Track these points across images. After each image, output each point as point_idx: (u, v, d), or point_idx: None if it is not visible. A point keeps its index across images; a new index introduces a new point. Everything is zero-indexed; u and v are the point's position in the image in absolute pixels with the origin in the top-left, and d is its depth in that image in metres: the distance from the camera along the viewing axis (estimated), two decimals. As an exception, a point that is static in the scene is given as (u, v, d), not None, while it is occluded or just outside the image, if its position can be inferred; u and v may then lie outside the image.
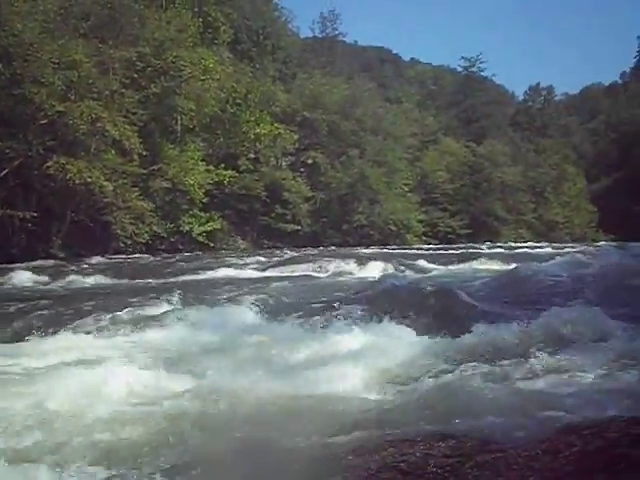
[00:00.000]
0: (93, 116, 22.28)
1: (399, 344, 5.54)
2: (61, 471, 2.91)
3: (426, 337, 5.81)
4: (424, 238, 50.36)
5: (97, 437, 3.39)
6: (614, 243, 42.29)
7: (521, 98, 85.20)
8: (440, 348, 5.37)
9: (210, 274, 15.97)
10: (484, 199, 59.05)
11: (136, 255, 24.64)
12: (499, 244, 42.72)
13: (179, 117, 30.00)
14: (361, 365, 4.78)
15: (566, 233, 63.43)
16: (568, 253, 20.26)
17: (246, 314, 7.98)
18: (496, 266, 16.94)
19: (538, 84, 79.69)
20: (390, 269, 15.87)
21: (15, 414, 3.82)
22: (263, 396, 4.09)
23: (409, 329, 6.08)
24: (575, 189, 69.50)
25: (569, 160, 72.70)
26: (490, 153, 60.99)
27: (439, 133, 64.73)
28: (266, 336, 6.41)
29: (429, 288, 8.31)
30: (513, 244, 39.75)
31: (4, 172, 21.62)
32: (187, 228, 30.35)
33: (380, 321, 6.45)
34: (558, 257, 16.41)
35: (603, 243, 46.80)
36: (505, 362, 4.78)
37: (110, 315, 7.82)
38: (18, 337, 7.00)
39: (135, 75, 26.69)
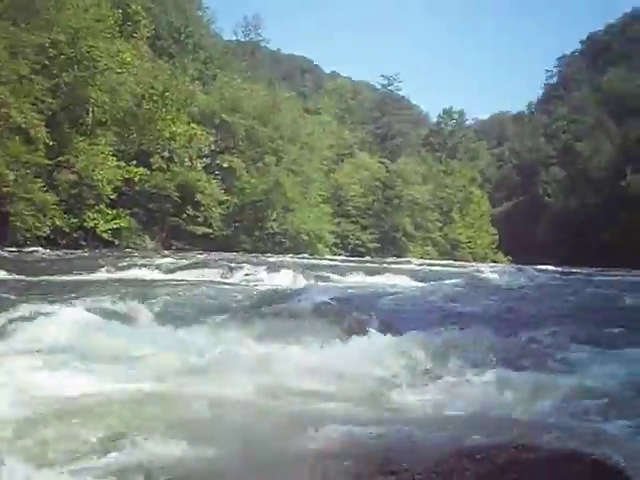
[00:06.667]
0: (-3, 100, 21.22)
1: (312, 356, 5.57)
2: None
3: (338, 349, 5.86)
4: (334, 249, 51.07)
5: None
6: (514, 265, 44.62)
7: (435, 120, 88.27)
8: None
9: (111, 273, 15.42)
10: (394, 215, 60.62)
11: (34, 249, 23.42)
12: (407, 259, 44.00)
13: (91, 109, 28.95)
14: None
15: (469, 252, 66.09)
16: (470, 273, 21.16)
17: (144, 318, 7.78)
18: (404, 282, 17.38)
19: (451, 107, 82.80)
20: (300, 279, 15.93)
21: None
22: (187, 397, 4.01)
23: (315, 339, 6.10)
24: (479, 211, 72.69)
25: (475, 183, 76.03)
26: (403, 171, 62.79)
27: (355, 147, 65.94)
28: (168, 340, 6.26)
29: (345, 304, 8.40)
30: (416, 261, 40.88)
31: None
32: (92, 224, 29.18)
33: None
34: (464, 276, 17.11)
35: (501, 265, 49.31)
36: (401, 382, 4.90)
37: None
38: None
39: (47, 62, 25.57)
